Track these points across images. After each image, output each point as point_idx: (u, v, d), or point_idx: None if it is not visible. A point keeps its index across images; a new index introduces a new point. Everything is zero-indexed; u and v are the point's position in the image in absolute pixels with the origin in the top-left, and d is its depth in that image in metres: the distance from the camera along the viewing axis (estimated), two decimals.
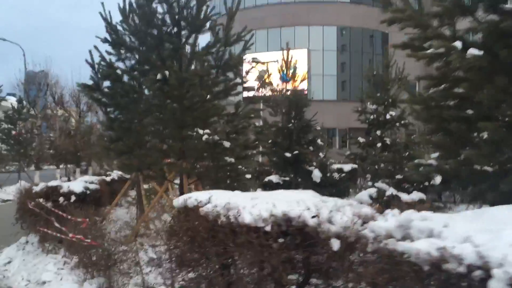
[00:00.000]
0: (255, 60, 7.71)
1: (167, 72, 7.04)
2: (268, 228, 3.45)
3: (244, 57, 7.97)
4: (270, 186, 7.72)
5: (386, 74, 16.86)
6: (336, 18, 40.71)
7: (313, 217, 3.27)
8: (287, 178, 7.75)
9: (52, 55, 46.14)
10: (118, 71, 7.91)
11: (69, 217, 6.69)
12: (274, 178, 7.76)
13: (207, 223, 3.79)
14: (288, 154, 8.21)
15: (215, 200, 3.93)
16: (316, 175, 8.16)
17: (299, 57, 28.12)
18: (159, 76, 7.07)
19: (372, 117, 15.78)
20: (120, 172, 15.80)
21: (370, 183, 12.55)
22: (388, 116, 15.78)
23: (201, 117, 7.46)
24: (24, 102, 28.50)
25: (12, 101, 29.12)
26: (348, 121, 28.40)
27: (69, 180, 10.74)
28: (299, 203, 3.54)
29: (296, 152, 8.15)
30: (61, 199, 7.68)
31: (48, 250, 7.25)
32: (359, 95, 19.01)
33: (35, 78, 34.57)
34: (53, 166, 39.68)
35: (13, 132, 25.39)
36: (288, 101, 8.88)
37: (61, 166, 36.32)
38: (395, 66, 17.06)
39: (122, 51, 9.12)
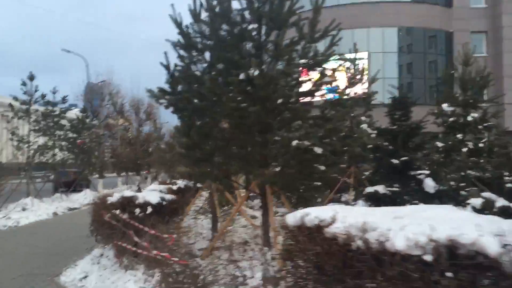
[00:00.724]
0: (342, 58, 6.94)
1: (252, 72, 6.41)
2: (427, 257, 2.67)
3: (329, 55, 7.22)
4: (375, 199, 6.87)
5: (465, 73, 15.62)
6: (396, 19, 39.15)
7: (506, 246, 2.44)
8: (395, 189, 6.88)
9: (111, 65, 48.12)
10: (197, 73, 7.38)
11: (152, 232, 6.17)
12: (380, 188, 6.91)
13: (337, 247, 3.04)
14: (395, 161, 7.30)
15: (343, 218, 3.18)
16: (429, 184, 7.17)
17: (360, 60, 27.02)
18: (242, 76, 6.45)
19: (450, 119, 14.59)
20: (185, 181, 15.48)
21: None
22: (469, 118, 14.52)
23: (287, 120, 6.76)
24: (88, 112, 29.08)
25: (75, 112, 29.82)
26: None
27: (139, 190, 10.37)
28: (464, 224, 2.73)
29: (404, 158, 7.23)
30: (137, 210, 7.21)
31: (126, 266, 6.79)
32: (428, 97, 17.79)
33: (98, 88, 35.45)
34: (113, 174, 40.65)
35: (78, 141, 25.92)
36: (393, 101, 7.98)
37: (122, 174, 37.10)
38: (475, 65, 15.79)
39: (194, 54, 8.64)
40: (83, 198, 24.42)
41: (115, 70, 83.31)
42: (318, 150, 6.11)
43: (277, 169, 6.96)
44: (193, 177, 9.97)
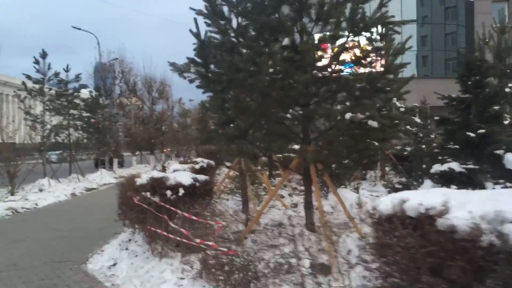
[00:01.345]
0: (393, 22, 6.10)
1: (295, 37, 5.70)
2: None
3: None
4: (448, 178, 6.13)
5: (500, 41, 14.67)
6: None
7: None
8: (470, 166, 6.14)
9: (123, 43, 46.71)
10: (234, 39, 6.67)
11: (194, 217, 5.58)
12: (454, 166, 6.17)
13: (460, 244, 2.39)
14: (471, 134, 6.49)
15: (460, 205, 2.52)
16: (510, 160, 6.35)
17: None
18: (286, 42, 5.74)
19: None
20: (206, 160, 14.88)
21: None
22: (507, 89, 13.67)
23: (333, 91, 6.05)
24: (101, 91, 28.52)
25: (86, 91, 29.12)
26: (430, 99, 25.91)
27: (164, 169, 9.79)
28: None
29: (481, 131, 6.45)
30: (168, 192, 6.61)
31: (159, 253, 6.22)
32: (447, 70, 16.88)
33: (110, 66, 34.81)
34: (127, 153, 40.32)
35: (92, 120, 25.46)
36: (467, 64, 7.13)
37: (137, 153, 36.72)
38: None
39: (221, 22, 7.92)
40: (99, 178, 24.06)
41: (126, 48, 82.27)
42: (374, 123, 5.42)
43: (319, 145, 6.32)
44: (224, 156, 9.32)
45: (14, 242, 8.69)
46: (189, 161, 15.68)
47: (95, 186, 20.80)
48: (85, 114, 24.43)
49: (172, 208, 6.29)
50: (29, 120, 19.34)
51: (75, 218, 11.61)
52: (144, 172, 14.63)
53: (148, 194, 6.62)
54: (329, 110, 5.71)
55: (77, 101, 23.34)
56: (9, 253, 7.86)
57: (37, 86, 19.81)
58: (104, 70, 33.74)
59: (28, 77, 19.55)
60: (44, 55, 19.75)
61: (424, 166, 8.33)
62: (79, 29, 32.61)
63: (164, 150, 39.55)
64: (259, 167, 11.22)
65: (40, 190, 17.49)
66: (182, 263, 5.70)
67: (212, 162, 15.38)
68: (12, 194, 16.15)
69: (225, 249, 4.56)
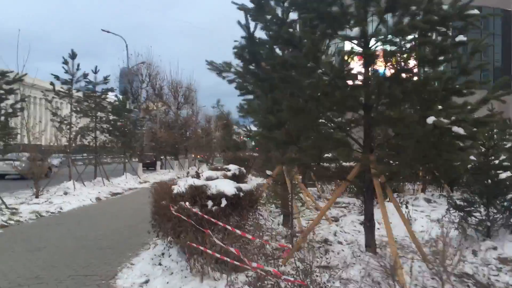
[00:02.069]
0: (475, 16, 5.25)
1: (362, 28, 4.89)
2: None
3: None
4: None
5: None
6: None
7: None
8: None
9: (150, 47, 45.87)
10: (293, 31, 5.88)
11: (237, 231, 4.78)
12: None
13: None
14: None
15: None
16: None
17: None
18: (355, 33, 4.94)
19: None
20: (236, 166, 14.13)
21: None
22: None
23: (415, 91, 5.19)
24: (128, 94, 28.14)
25: (111, 96, 28.69)
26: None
27: (198, 175, 9.04)
28: None
29: None
30: (209, 203, 5.84)
31: (201, 272, 5.45)
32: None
33: (137, 70, 34.54)
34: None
35: (119, 124, 25.05)
36: None
37: (161, 157, 36.33)
38: None
39: (268, 17, 7.17)
40: (124, 182, 23.58)
41: (154, 52, 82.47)
42: (460, 130, 4.56)
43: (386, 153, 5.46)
44: (270, 163, 8.54)
45: (37, 250, 8.04)
46: (219, 167, 14.96)
47: (120, 190, 20.27)
48: (111, 117, 24.06)
49: (215, 221, 5.52)
50: (56, 121, 18.94)
51: (100, 225, 10.96)
52: (172, 177, 13.95)
53: (187, 204, 5.86)
54: (404, 114, 4.87)
55: (104, 103, 22.98)
56: (31, 263, 7.20)
57: (65, 87, 19.43)
58: (132, 73, 33.44)
59: (57, 77, 19.21)
60: (73, 55, 19.39)
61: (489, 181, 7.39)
62: (108, 32, 32.44)
63: (195, 155, 39.39)
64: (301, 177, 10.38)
65: (65, 193, 17.02)
66: (228, 285, 4.90)
67: (243, 170, 14.64)
68: (37, 197, 15.70)
69: (291, 278, 3.74)
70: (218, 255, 4.82)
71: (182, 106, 44.13)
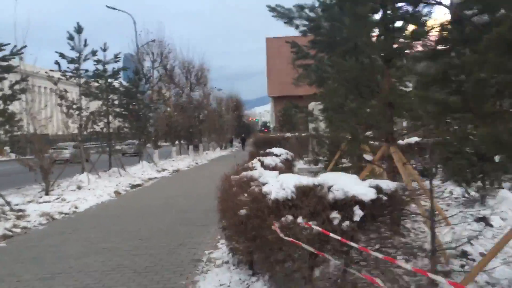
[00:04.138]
0: None
1: None
2: None
3: None
4: None
5: None
6: None
7: None
8: None
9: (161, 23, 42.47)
10: None
11: (377, 254, 2.47)
12: None
13: None
14: None
15: None
16: None
17: None
18: None
19: None
20: (284, 150, 11.79)
21: None
22: None
23: None
24: (140, 74, 25.66)
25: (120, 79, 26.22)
26: None
27: (262, 163, 6.74)
28: None
29: None
30: (334, 216, 3.47)
31: None
32: None
33: (148, 47, 31.93)
34: (166, 143, 37.78)
35: (131, 107, 22.72)
36: None
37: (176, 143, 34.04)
38: None
39: None
40: (141, 172, 21.36)
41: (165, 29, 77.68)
42: None
43: None
44: (357, 142, 6.20)
45: (51, 279, 5.77)
46: (261, 152, 12.58)
47: (140, 181, 18.02)
48: (124, 100, 21.74)
49: (348, 242, 3.17)
50: (64, 106, 16.58)
51: (128, 230, 8.69)
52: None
53: (290, 217, 3.51)
54: None
55: (116, 84, 20.62)
56: None
57: (72, 66, 17.02)
58: (141, 53, 30.90)
59: (62, 55, 16.77)
60: (79, 29, 16.92)
61: None
62: (114, 8, 29.86)
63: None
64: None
65: (79, 188, 14.83)
66: None
67: (292, 154, 12.31)
68: (47, 193, 13.50)
69: None
70: None
71: (194, 87, 41.72)
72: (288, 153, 11.76)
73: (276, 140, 21.56)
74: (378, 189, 3.61)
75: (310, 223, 3.35)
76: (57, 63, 16.54)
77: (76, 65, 17.01)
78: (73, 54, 16.98)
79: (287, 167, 8.80)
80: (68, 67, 17.02)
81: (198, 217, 9.73)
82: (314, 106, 13.31)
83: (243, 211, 4.13)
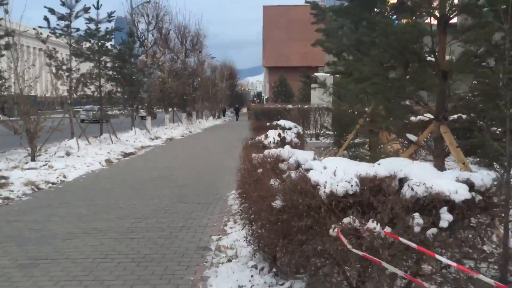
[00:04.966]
0: None
1: None
2: None
3: None
4: None
5: None
6: None
7: None
8: None
9: None
10: None
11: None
12: None
13: None
14: None
15: None
16: None
17: None
18: None
19: None
20: (292, 123, 10.84)
21: None
22: None
23: None
24: (134, 37, 24.28)
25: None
26: None
27: (283, 140, 5.85)
28: None
29: None
30: (417, 221, 2.56)
31: None
32: None
33: (143, 8, 30.32)
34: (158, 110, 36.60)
35: (141, 62, 21.47)
36: None
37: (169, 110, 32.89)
38: None
39: None
40: (134, 139, 20.35)
41: None
42: None
43: None
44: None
45: (33, 266, 4.88)
46: (267, 124, 11.62)
47: (132, 150, 17.04)
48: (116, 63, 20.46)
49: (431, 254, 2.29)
50: (52, 66, 15.38)
51: (121, 205, 7.81)
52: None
53: (355, 221, 2.61)
54: None
55: (109, 46, 19.33)
56: None
57: (62, 23, 15.72)
58: (137, 13, 29.34)
59: (51, 11, 15.47)
60: None
61: None
62: None
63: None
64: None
65: (67, 154, 13.84)
66: None
67: (300, 128, 11.35)
68: (33, 159, 12.52)
69: None
70: None
71: (189, 53, 40.27)
72: (296, 126, 10.82)
73: (277, 111, 20.55)
74: (470, 185, 2.71)
75: (388, 231, 2.46)
76: (46, 19, 15.27)
77: (67, 23, 15.75)
78: (64, 11, 15.69)
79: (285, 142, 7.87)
80: (58, 24, 15.76)
81: (199, 193, 8.85)
82: (327, 77, 12.33)
83: (277, 203, 3.23)
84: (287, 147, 4.61)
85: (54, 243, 5.63)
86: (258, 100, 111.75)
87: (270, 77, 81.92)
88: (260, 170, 4.16)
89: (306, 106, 18.98)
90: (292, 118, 17.75)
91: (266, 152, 4.53)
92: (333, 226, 2.59)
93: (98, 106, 18.82)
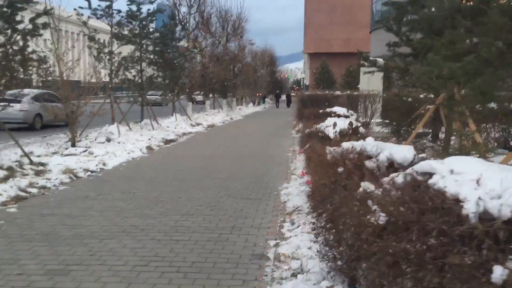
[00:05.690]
0: None
1: None
2: None
3: None
4: None
5: None
6: None
7: None
8: None
9: None
10: None
11: None
12: None
13: None
14: None
15: None
16: None
17: None
18: None
19: None
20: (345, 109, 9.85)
21: None
22: None
23: None
24: (176, 20, 23.62)
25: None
26: None
27: (356, 132, 4.88)
28: None
29: None
30: None
31: None
32: None
33: None
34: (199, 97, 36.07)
35: (166, 55, 20.81)
36: None
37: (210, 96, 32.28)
38: None
39: None
40: (174, 125, 19.77)
41: None
42: None
43: None
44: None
45: (63, 272, 4.17)
46: (320, 111, 10.63)
47: (173, 136, 16.41)
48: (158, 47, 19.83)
49: None
50: (94, 49, 14.88)
51: (164, 198, 7.09)
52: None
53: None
54: None
55: (150, 29, 18.72)
56: None
57: (103, 3, 15.18)
58: None
59: None
60: None
61: None
62: None
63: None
64: None
65: (108, 140, 13.34)
66: None
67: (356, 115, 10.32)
68: (73, 145, 12.06)
69: None
70: None
71: (230, 38, 39.44)
72: (353, 113, 9.80)
73: (324, 98, 19.46)
74: None
75: None
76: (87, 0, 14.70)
77: (108, 3, 15.16)
78: None
79: (356, 132, 6.86)
80: (99, 5, 15.22)
81: (247, 186, 8.02)
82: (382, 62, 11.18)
83: (382, 218, 2.31)
84: (369, 139, 3.66)
85: (89, 244, 4.93)
86: (297, 88, 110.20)
87: (311, 64, 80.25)
88: (340, 169, 3.23)
89: (355, 93, 17.84)
90: (340, 106, 16.64)
91: (345, 145, 3.59)
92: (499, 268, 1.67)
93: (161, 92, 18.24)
